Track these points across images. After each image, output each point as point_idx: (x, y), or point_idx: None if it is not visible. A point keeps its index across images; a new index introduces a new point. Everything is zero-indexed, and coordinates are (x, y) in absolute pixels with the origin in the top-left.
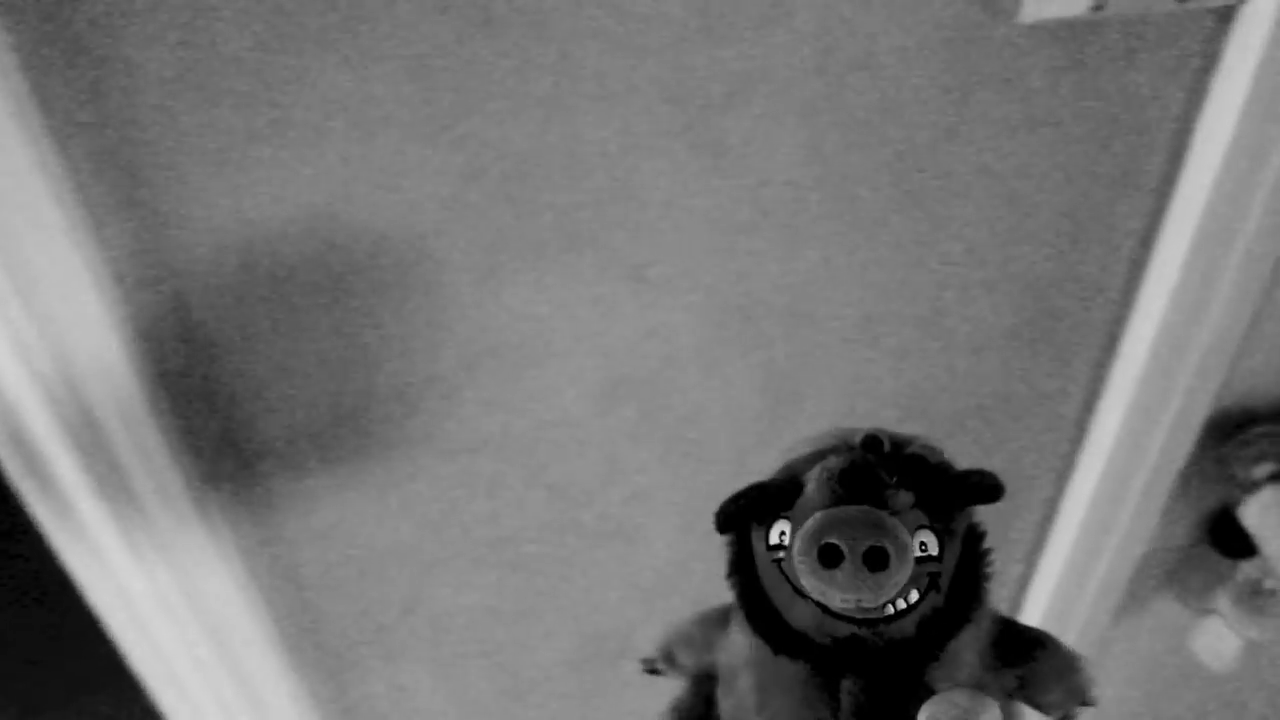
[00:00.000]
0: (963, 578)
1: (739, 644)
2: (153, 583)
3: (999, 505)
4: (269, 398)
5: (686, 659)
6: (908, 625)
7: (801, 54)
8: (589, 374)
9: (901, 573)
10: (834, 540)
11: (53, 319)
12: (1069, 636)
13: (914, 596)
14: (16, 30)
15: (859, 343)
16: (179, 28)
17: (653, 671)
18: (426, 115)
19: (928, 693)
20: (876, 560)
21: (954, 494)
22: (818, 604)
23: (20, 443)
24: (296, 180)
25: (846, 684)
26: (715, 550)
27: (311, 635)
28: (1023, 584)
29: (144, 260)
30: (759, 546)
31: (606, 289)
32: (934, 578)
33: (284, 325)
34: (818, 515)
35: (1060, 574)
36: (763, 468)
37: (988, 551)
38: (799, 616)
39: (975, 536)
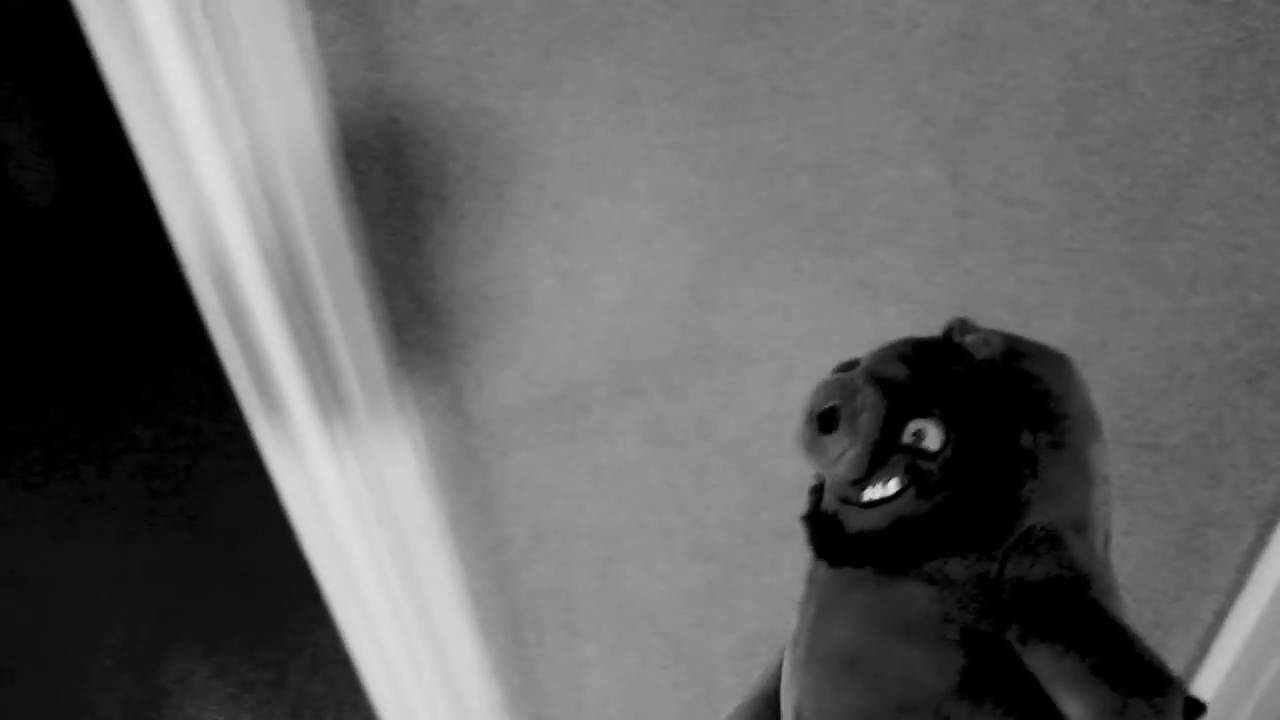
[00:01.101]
0: (972, 491)
1: None
2: (345, 480)
3: (1195, 545)
4: (504, 374)
5: None
6: (876, 518)
7: (1057, 74)
8: (801, 374)
9: (848, 438)
10: (810, 402)
11: (271, 149)
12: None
13: (892, 485)
14: None
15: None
16: None
17: None
18: (682, 111)
19: (881, 609)
20: (825, 420)
21: (994, 392)
22: (816, 489)
23: (231, 306)
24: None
25: (814, 571)
26: None
27: (500, 600)
28: (1214, 631)
29: (366, 92)
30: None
31: (834, 293)
32: (925, 475)
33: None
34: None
35: (1256, 623)
36: None
37: (1022, 466)
38: (827, 500)
39: (1016, 453)
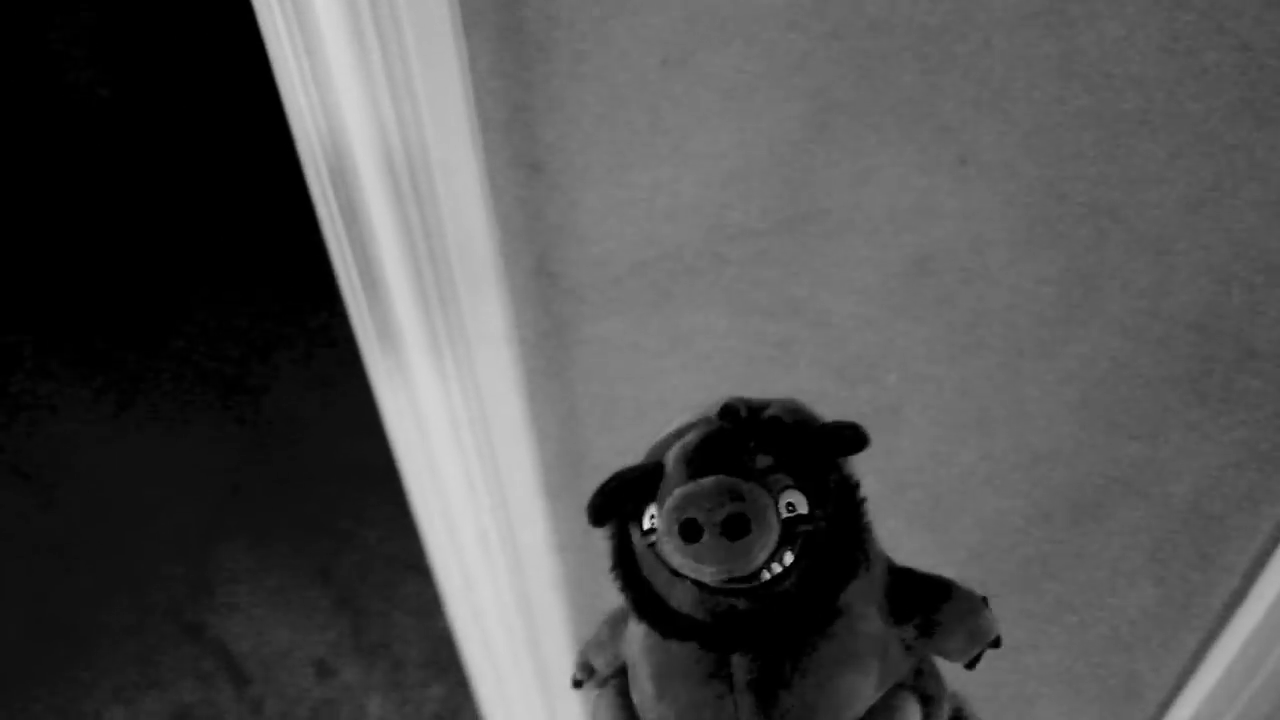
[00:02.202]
0: (840, 531)
1: (635, 635)
2: (431, 333)
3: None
4: (593, 234)
5: (601, 664)
6: (787, 587)
7: None
8: (895, 250)
9: (765, 536)
10: (691, 514)
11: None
12: None
13: (788, 558)
14: None
15: (1168, 254)
16: None
17: (578, 685)
18: None
19: (828, 652)
20: (735, 528)
21: (816, 449)
22: (694, 582)
23: (352, 220)
24: None
25: (736, 659)
26: (979, 451)
27: (567, 473)
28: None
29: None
30: (635, 535)
31: (930, 167)
32: (808, 536)
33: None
34: (675, 493)
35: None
36: (1038, 371)
37: (862, 501)
38: (679, 598)
39: (848, 488)
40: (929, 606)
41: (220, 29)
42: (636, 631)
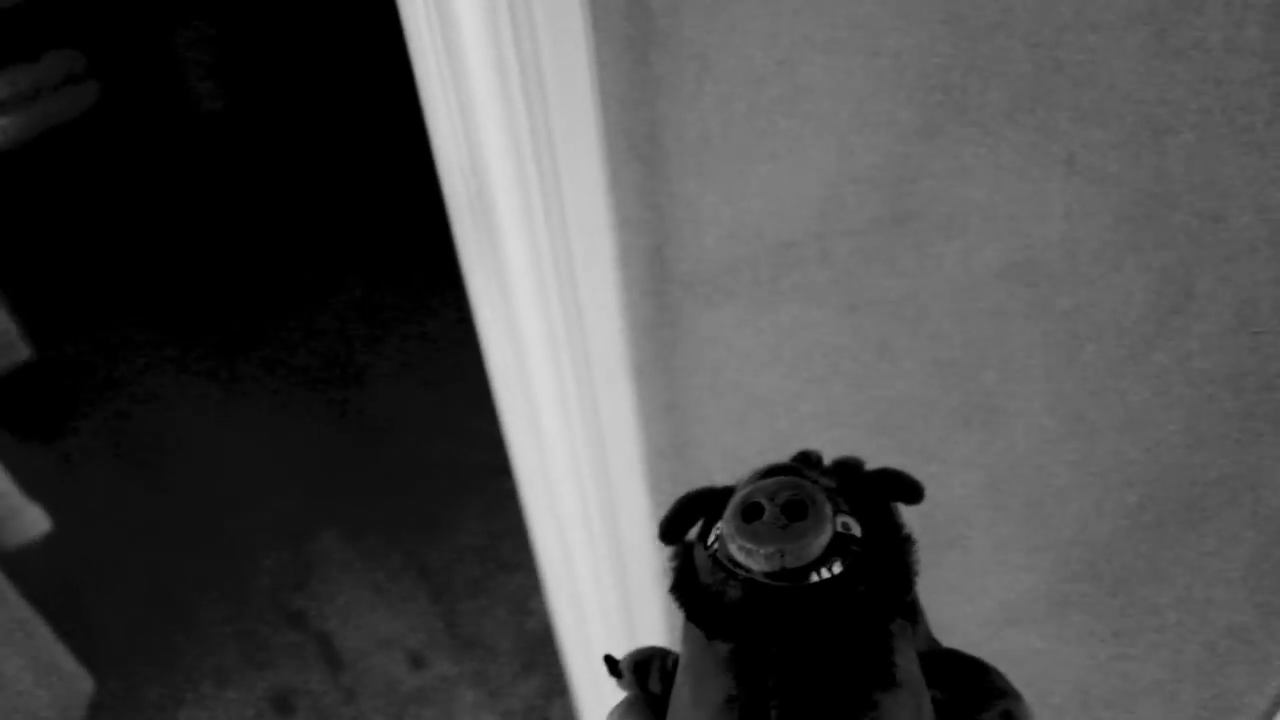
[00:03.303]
0: (884, 567)
1: (682, 654)
2: (547, 318)
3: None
4: (707, 227)
5: (655, 683)
6: (833, 599)
7: None
8: (996, 249)
9: (820, 525)
10: (755, 499)
11: None
12: None
13: (837, 568)
14: None
15: (1269, 260)
16: None
17: (613, 670)
18: None
19: (862, 688)
20: (794, 510)
21: (874, 488)
22: (745, 580)
23: (466, 139)
24: None
25: (774, 652)
26: (1075, 455)
27: (673, 462)
28: None
29: None
30: (699, 556)
31: (1035, 167)
32: (858, 558)
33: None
34: (745, 487)
35: None
36: (1138, 373)
37: (910, 544)
38: (731, 592)
39: (899, 534)
40: (967, 678)
41: (333, 43)
42: (683, 650)
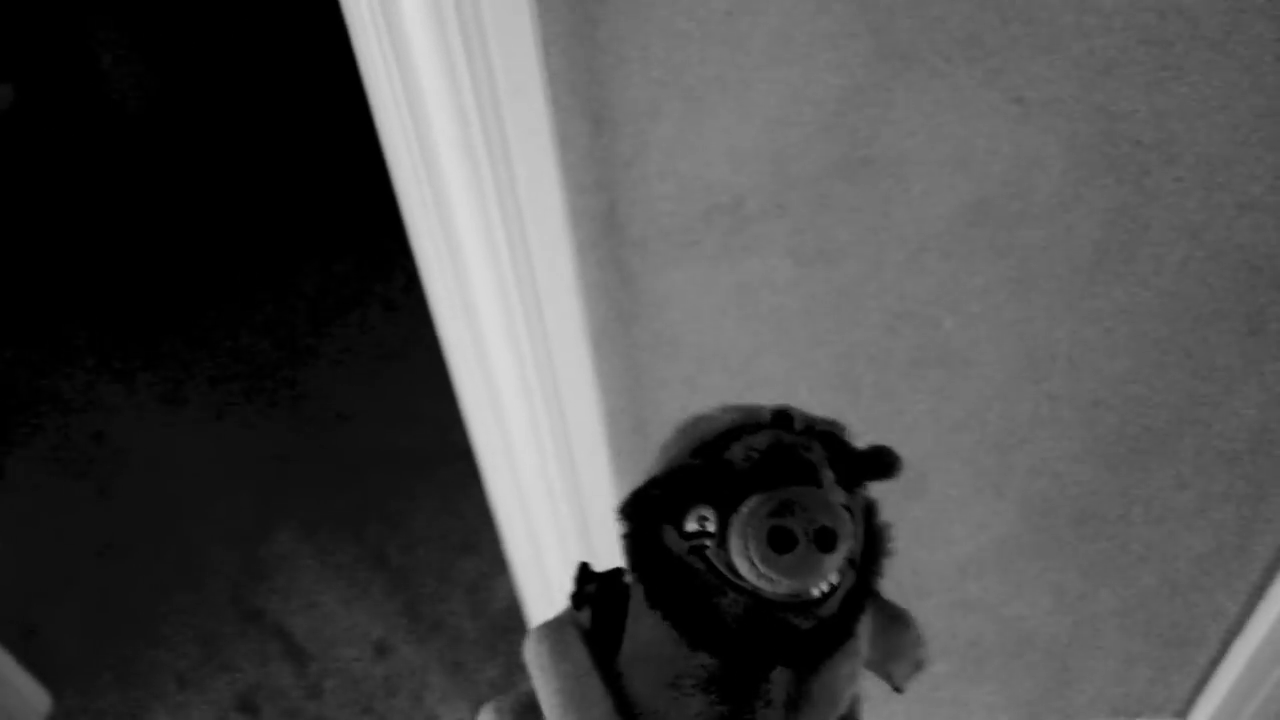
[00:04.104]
0: (867, 553)
1: (644, 634)
2: (500, 282)
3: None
4: (659, 184)
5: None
6: (834, 605)
7: None
8: (950, 192)
9: (841, 556)
10: (786, 524)
11: None
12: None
13: (836, 577)
14: None
15: (1217, 190)
16: None
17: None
18: None
19: (843, 668)
20: (825, 541)
21: (860, 469)
22: (749, 591)
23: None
24: None
25: (777, 675)
26: (1036, 394)
27: (632, 421)
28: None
29: None
30: (671, 537)
31: (984, 108)
32: (851, 559)
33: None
34: (761, 498)
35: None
36: (1093, 310)
37: (888, 526)
38: (729, 606)
39: (874, 512)
40: (895, 634)
41: (255, 38)
42: (646, 633)
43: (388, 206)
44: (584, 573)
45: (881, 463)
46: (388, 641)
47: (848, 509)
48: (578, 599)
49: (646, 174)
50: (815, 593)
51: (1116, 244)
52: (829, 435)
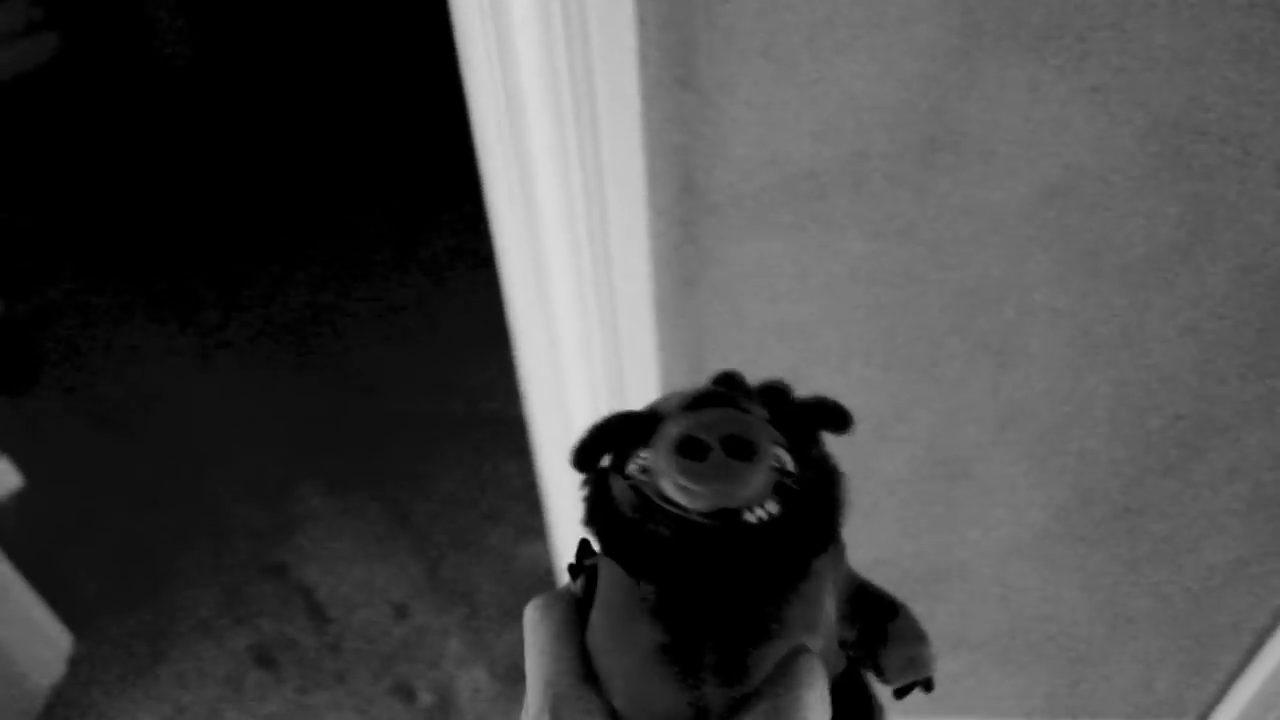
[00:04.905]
0: (819, 500)
1: (603, 587)
2: (573, 241)
3: None
4: (738, 152)
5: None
6: (764, 536)
7: None
8: (1024, 177)
9: (761, 465)
10: (697, 434)
11: None
12: None
13: (771, 507)
14: None
15: None
16: None
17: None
18: None
19: (795, 613)
20: (739, 449)
21: (805, 417)
22: (677, 516)
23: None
24: None
25: (705, 595)
26: (1088, 385)
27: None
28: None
29: None
30: (617, 486)
31: (1063, 94)
32: (790, 494)
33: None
34: (680, 419)
35: None
36: (1154, 303)
37: (840, 478)
38: (661, 529)
39: (829, 467)
40: (879, 618)
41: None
42: (600, 586)
43: (432, 167)
44: (583, 546)
45: (827, 410)
46: (407, 604)
47: (788, 450)
48: (574, 569)
49: (727, 142)
50: (744, 511)
51: (1184, 239)
52: (770, 387)
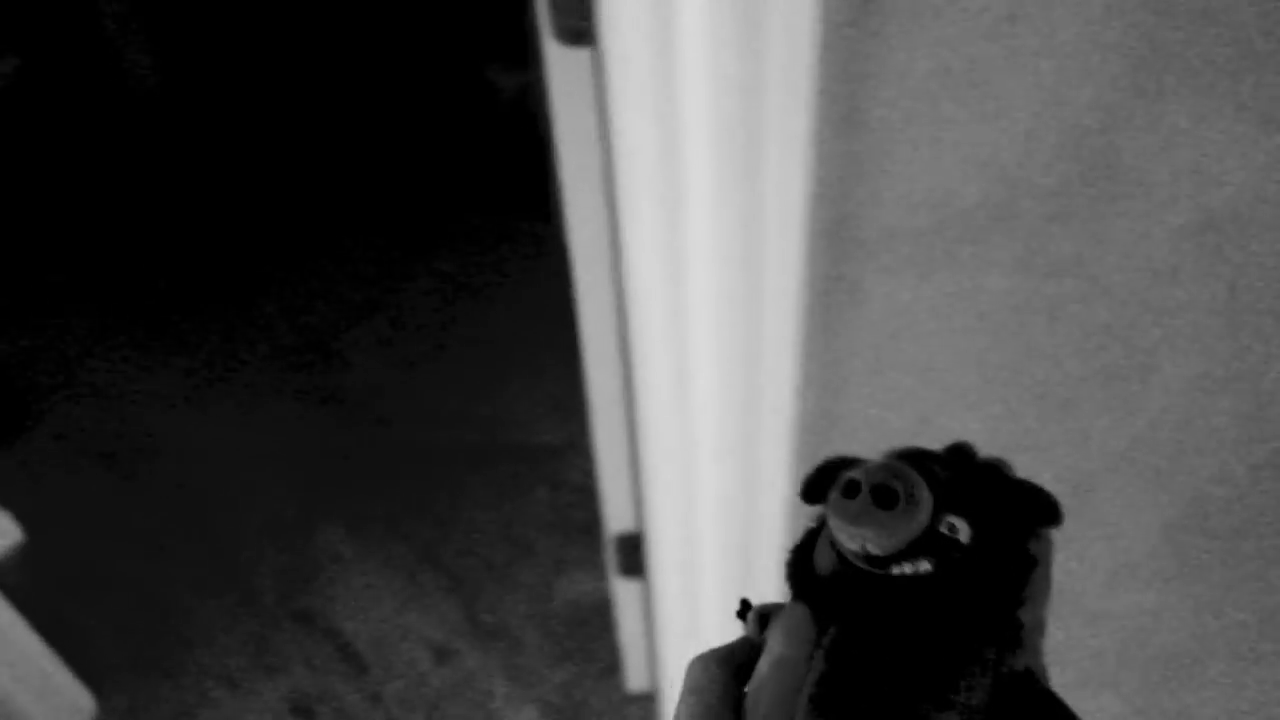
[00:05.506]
0: (994, 580)
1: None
2: (728, 294)
3: None
4: (899, 189)
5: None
6: (913, 596)
7: None
8: (1181, 211)
9: (909, 517)
10: (855, 476)
11: None
12: None
13: (924, 567)
14: None
15: None
16: None
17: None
18: None
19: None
20: (884, 496)
21: (1006, 499)
22: (839, 553)
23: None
24: None
25: (832, 628)
26: (1219, 411)
27: (827, 427)
28: None
29: None
30: (824, 532)
31: (1235, 132)
32: (954, 563)
33: None
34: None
35: None
36: None
37: (1030, 567)
38: (820, 563)
39: (1016, 552)
40: None
41: (276, 15)
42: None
43: (418, 188)
44: (742, 605)
45: (1034, 500)
46: (447, 646)
47: (969, 521)
48: (742, 614)
49: (886, 181)
50: (892, 569)
51: None
52: (989, 464)
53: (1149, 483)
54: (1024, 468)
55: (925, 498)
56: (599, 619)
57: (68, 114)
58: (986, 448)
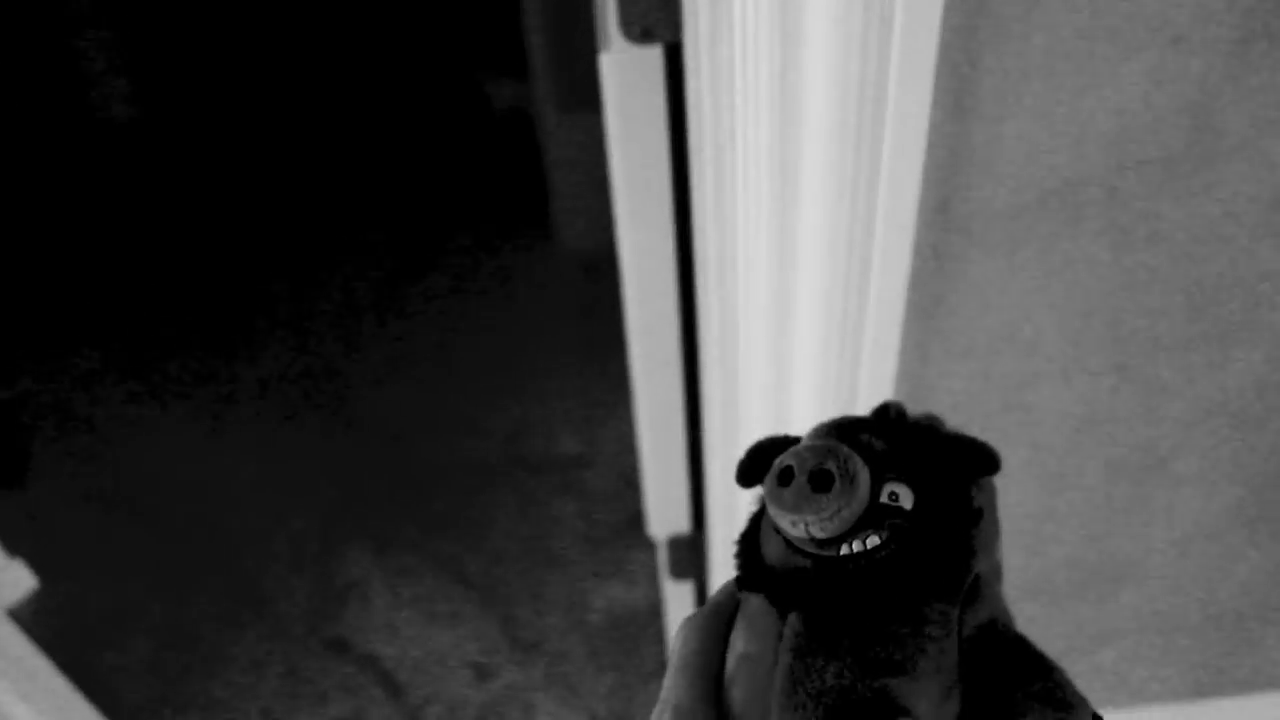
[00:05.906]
0: (933, 544)
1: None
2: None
3: None
4: (1003, 168)
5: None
6: (864, 570)
7: None
8: (1255, 187)
9: (846, 498)
10: (789, 462)
11: None
12: None
13: (871, 542)
14: None
15: None
16: None
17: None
18: None
19: (880, 653)
20: (819, 480)
21: (943, 456)
22: (783, 538)
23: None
24: None
25: (791, 617)
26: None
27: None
28: None
29: None
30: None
31: None
32: (902, 531)
33: None
34: (791, 449)
35: None
36: None
37: (976, 520)
38: (769, 551)
39: (962, 510)
40: (1022, 679)
41: (251, 45)
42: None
43: (401, 207)
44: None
45: (966, 450)
46: (486, 664)
47: (910, 486)
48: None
49: (993, 159)
50: (843, 548)
51: None
52: (919, 425)
53: (1222, 450)
54: (1102, 439)
55: (861, 473)
56: (637, 625)
57: (42, 147)
58: (1072, 420)
